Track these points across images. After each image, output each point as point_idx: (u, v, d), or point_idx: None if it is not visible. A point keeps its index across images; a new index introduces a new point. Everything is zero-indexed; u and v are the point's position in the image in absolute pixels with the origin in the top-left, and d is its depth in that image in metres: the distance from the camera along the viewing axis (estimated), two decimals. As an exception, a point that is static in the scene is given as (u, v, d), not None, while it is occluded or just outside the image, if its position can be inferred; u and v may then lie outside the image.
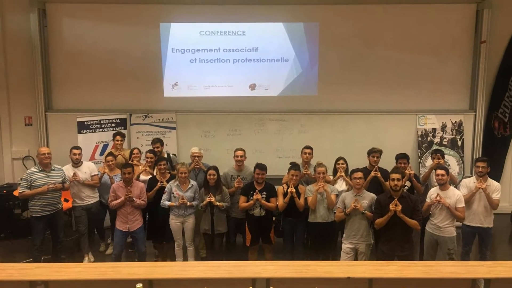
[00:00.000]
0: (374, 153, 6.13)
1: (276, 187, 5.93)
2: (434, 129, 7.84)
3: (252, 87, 7.98)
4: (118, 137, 6.93)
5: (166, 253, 6.31)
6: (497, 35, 7.79)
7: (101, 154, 7.48)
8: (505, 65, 7.92)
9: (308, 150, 6.36)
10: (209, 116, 7.97)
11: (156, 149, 6.69)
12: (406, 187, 5.82)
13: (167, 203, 5.83)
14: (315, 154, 6.38)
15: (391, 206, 4.93)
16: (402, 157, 6.12)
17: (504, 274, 4.34)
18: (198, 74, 7.95)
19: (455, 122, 7.83)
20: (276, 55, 7.91)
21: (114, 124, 7.71)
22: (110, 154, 6.65)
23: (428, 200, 5.44)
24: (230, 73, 7.95)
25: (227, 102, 7.98)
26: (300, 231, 5.88)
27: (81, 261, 6.34)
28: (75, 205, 6.36)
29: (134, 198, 5.70)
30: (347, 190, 5.76)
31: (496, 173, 7.54)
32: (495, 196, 5.51)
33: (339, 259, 5.51)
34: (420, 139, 7.84)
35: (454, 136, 7.83)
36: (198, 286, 4.18)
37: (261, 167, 5.82)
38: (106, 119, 7.66)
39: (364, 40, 7.84)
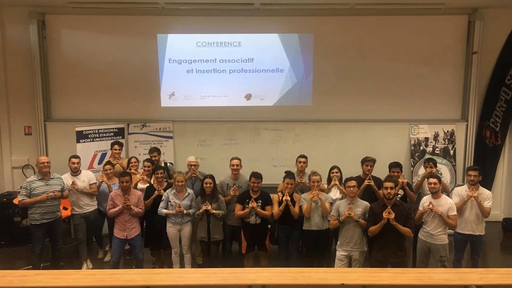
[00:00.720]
0: (368, 162, 6.18)
1: (272, 195, 5.98)
2: (426, 138, 7.92)
3: (248, 97, 8.06)
4: (116, 146, 6.99)
5: (163, 260, 6.36)
6: (489, 45, 7.88)
7: (100, 163, 7.54)
8: (496, 75, 8.01)
9: (302, 159, 6.40)
10: (205, 125, 8.02)
11: (153, 158, 6.75)
12: (399, 196, 5.87)
13: (164, 211, 5.89)
14: (309, 163, 6.43)
15: (385, 214, 4.98)
16: (395, 166, 6.17)
17: (496, 280, 4.41)
18: (194, 84, 8.01)
19: (447, 131, 7.91)
20: (271, 65, 7.98)
21: (112, 134, 7.77)
22: (108, 163, 6.69)
23: (420, 208, 5.49)
24: (226, 83, 8.02)
25: (223, 112, 8.05)
26: (295, 238, 5.93)
27: (80, 268, 6.38)
28: (74, 213, 6.41)
29: (131, 206, 5.75)
30: (341, 198, 5.80)
31: (487, 182, 7.62)
32: (487, 204, 5.57)
33: (333, 266, 5.54)
34: (412, 148, 7.91)
35: (446, 145, 7.90)
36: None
37: (256, 175, 5.88)
38: (104, 129, 7.73)
39: (358, 51, 7.93)
